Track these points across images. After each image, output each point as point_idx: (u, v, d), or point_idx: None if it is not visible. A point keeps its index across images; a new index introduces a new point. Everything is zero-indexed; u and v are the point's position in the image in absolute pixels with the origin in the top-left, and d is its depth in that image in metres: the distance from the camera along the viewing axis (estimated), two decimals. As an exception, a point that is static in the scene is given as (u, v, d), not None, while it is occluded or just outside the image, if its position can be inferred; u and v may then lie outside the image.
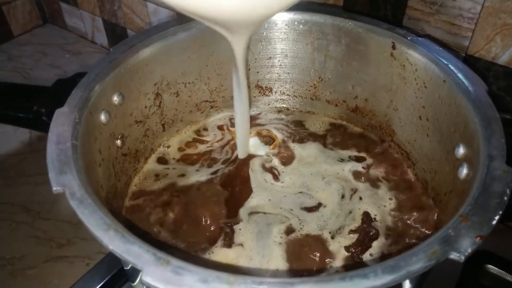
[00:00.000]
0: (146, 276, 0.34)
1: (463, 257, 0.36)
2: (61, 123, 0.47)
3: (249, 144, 0.68)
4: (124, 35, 1.12)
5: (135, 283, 0.53)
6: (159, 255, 0.36)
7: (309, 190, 0.63)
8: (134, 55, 0.60)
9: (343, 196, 0.62)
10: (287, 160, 0.68)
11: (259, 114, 0.77)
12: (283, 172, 0.66)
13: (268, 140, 0.72)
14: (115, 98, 0.57)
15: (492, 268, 0.60)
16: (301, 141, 0.71)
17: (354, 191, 0.63)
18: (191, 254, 0.55)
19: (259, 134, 0.73)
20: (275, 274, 0.52)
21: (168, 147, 0.71)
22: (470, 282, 0.59)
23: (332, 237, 0.57)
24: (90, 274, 0.64)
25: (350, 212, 0.60)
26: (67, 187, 0.41)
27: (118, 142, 0.60)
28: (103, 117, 0.55)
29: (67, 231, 0.72)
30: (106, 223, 0.38)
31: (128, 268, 0.49)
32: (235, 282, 0.34)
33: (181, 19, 0.65)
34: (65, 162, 0.43)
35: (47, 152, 0.44)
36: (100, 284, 0.62)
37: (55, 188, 0.41)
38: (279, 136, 0.72)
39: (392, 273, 0.34)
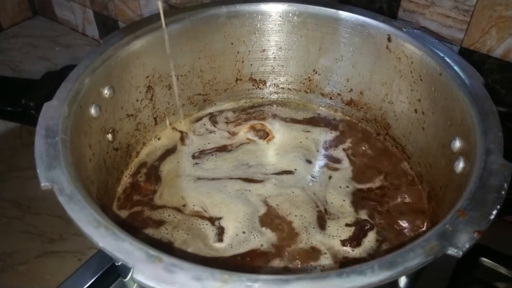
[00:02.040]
0: (137, 274, 0.33)
1: (461, 253, 0.36)
2: (50, 117, 0.46)
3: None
4: (116, 27, 1.11)
5: (126, 279, 0.52)
6: (151, 252, 0.35)
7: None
8: (125, 47, 0.59)
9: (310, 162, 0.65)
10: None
11: (252, 107, 0.76)
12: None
13: (262, 134, 0.71)
14: (106, 91, 0.57)
15: (486, 261, 0.60)
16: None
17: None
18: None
19: (252, 128, 0.72)
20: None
21: (159, 139, 0.70)
22: (464, 275, 0.59)
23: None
24: (82, 270, 0.63)
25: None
26: (56, 182, 0.40)
27: (109, 136, 0.59)
28: (93, 111, 0.54)
29: (59, 226, 0.71)
30: (96, 220, 0.37)
31: (119, 264, 0.48)
32: (229, 279, 0.33)
33: (173, 11, 0.64)
34: (54, 157, 0.42)
35: (35, 147, 0.43)
36: (92, 280, 0.61)
37: (44, 184, 0.40)
38: (273, 129, 0.71)
39: (389, 269, 0.34)
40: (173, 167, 0.65)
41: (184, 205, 0.59)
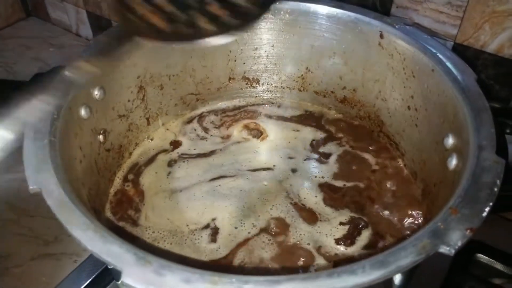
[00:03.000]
0: (126, 277, 0.33)
1: (453, 251, 0.35)
2: (38, 119, 0.46)
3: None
4: (109, 27, 1.10)
5: (119, 282, 0.52)
6: (141, 255, 0.35)
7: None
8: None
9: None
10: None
11: (246, 106, 0.76)
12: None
13: (256, 133, 0.71)
14: (96, 92, 0.56)
15: (482, 257, 0.60)
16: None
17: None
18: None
19: (246, 127, 0.71)
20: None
21: (152, 139, 0.69)
22: (460, 272, 0.58)
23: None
24: (78, 271, 0.63)
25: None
26: (44, 185, 0.40)
27: (100, 137, 0.58)
28: (83, 112, 0.53)
29: (54, 228, 0.70)
30: (84, 223, 0.37)
31: (111, 267, 0.48)
32: (219, 281, 0.33)
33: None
34: (42, 160, 0.42)
35: (24, 149, 0.43)
36: (88, 281, 0.61)
37: (32, 187, 0.40)
38: (266, 128, 0.71)
39: (380, 268, 0.34)
40: (151, 181, 0.63)
41: (176, 229, 0.57)
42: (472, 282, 0.57)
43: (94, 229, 0.37)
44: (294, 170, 0.64)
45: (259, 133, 0.70)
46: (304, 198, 0.60)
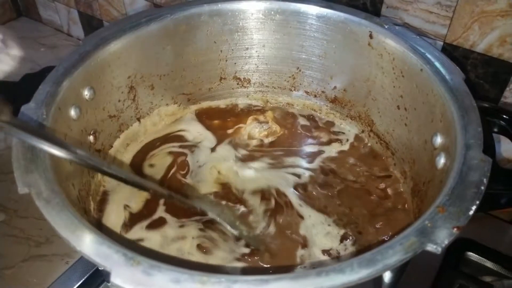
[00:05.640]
0: (115, 278, 0.33)
1: (440, 249, 0.36)
2: (28, 120, 0.46)
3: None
4: (101, 27, 1.09)
5: (109, 283, 0.52)
6: (130, 255, 0.35)
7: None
8: (105, 47, 0.58)
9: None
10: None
11: (238, 105, 0.76)
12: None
13: (266, 127, 0.71)
14: (86, 93, 0.56)
15: (472, 255, 0.61)
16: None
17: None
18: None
19: (256, 120, 0.72)
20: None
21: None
22: (450, 270, 0.59)
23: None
24: (69, 273, 0.63)
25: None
26: (33, 186, 0.40)
27: (91, 138, 0.58)
28: (73, 113, 0.53)
29: (45, 229, 0.70)
30: (73, 224, 0.37)
31: (101, 268, 0.48)
32: (208, 281, 0.33)
33: (154, 10, 0.63)
34: (31, 161, 0.42)
35: (13, 151, 0.43)
36: (79, 283, 0.61)
37: (21, 188, 0.40)
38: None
39: (368, 267, 0.34)
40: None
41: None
42: (462, 280, 0.57)
43: (83, 230, 0.36)
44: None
45: (268, 126, 0.71)
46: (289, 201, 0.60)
